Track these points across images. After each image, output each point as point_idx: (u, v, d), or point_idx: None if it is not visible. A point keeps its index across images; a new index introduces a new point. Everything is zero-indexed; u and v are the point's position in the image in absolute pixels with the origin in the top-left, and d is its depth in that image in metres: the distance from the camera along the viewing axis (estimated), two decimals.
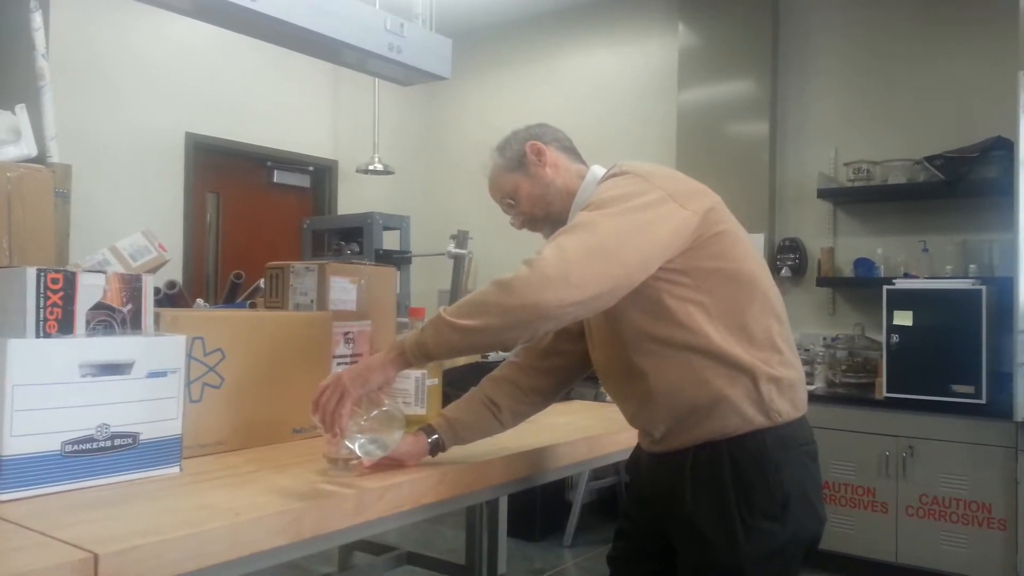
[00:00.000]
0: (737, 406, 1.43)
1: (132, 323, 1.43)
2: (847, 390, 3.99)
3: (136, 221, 3.14)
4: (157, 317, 1.51)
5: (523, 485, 1.77)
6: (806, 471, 1.48)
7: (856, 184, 4.25)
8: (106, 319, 1.39)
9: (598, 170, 1.66)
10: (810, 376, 4.18)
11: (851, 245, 4.42)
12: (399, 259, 4.30)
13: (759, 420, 1.43)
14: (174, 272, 4.34)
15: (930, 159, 4.01)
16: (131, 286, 1.44)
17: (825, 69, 4.58)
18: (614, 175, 1.52)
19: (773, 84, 4.64)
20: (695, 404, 1.45)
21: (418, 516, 1.51)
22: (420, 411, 1.84)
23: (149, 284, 1.47)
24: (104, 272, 1.41)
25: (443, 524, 4.17)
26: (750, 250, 1.54)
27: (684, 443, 1.48)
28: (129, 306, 1.43)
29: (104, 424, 1.33)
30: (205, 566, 1.12)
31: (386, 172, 5.41)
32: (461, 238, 3.69)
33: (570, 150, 1.71)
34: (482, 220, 3.94)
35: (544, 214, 1.65)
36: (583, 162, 1.71)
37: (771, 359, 1.46)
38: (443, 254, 3.74)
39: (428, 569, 3.20)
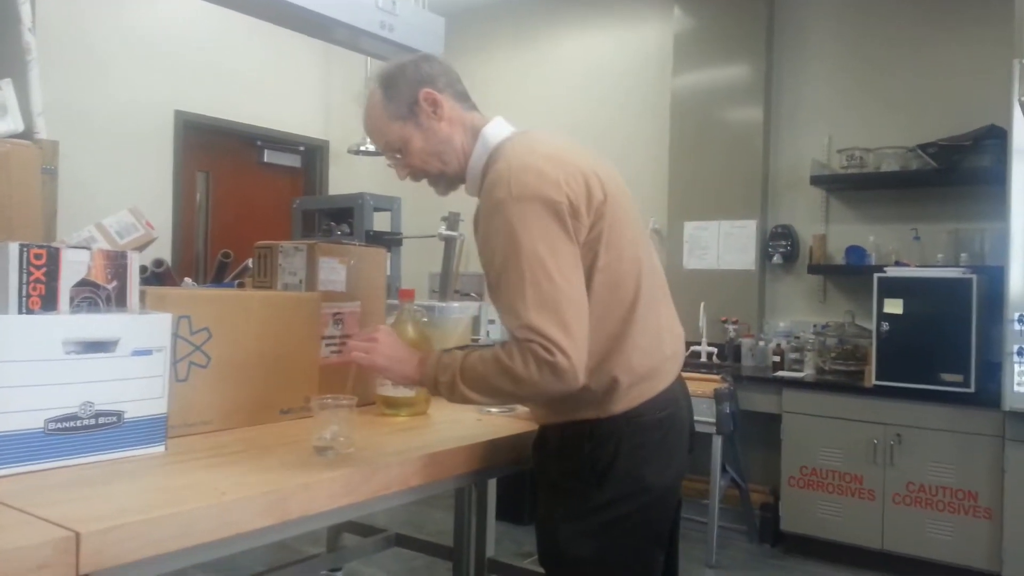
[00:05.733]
0: (573, 406, 1.49)
1: (117, 300, 1.41)
2: (836, 377, 4.00)
3: (125, 199, 3.09)
4: (143, 295, 1.49)
5: (512, 468, 1.76)
6: (634, 446, 1.50)
7: (849, 171, 4.24)
8: (90, 296, 1.37)
9: (491, 133, 1.56)
10: (799, 363, 4.19)
11: (843, 232, 4.42)
12: (390, 240, 4.28)
13: (589, 414, 1.49)
14: (163, 251, 4.31)
15: (923, 147, 4.01)
16: (116, 263, 1.41)
17: (820, 55, 4.56)
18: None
19: (768, 70, 4.62)
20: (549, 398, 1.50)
21: (406, 498, 1.50)
22: (409, 393, 1.84)
23: (135, 261, 1.45)
24: (89, 249, 1.39)
25: (432, 506, 4.18)
26: (628, 232, 1.49)
27: (538, 420, 1.61)
28: (114, 283, 1.41)
29: (88, 402, 1.31)
30: (189, 545, 1.11)
31: (377, 153, 5.37)
32: (452, 220, 3.67)
33: (463, 96, 1.59)
34: (474, 202, 3.92)
35: (439, 172, 1.59)
36: (475, 107, 1.61)
37: (632, 362, 1.49)
38: (434, 236, 3.71)
39: (416, 551, 3.21)
